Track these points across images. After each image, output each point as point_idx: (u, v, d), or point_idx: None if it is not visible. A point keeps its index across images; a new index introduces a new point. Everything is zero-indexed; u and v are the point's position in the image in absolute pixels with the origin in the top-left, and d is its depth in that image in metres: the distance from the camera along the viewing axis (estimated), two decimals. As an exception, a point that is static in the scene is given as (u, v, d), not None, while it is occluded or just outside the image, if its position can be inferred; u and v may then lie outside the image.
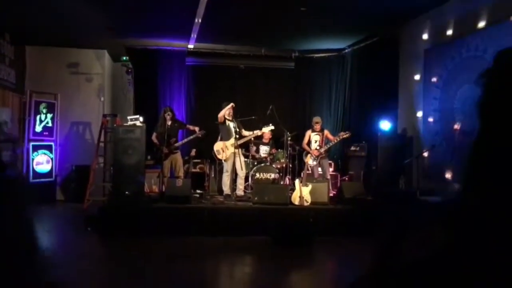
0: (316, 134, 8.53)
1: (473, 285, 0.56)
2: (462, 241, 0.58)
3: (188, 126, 8.76)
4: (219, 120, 7.95)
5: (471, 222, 0.59)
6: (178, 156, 8.47)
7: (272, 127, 8.45)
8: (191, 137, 8.49)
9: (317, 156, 8.38)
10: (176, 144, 8.44)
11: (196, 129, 8.44)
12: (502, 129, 0.59)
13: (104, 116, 9.62)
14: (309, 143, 8.54)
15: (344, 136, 8.36)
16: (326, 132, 8.59)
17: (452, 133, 7.08)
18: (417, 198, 6.63)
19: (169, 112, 8.39)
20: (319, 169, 8.52)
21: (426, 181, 7.48)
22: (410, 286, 0.60)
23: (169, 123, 8.33)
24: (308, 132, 8.60)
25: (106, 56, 10.72)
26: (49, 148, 10.03)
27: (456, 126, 6.98)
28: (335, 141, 8.43)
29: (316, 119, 8.62)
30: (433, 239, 0.60)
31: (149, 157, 8.53)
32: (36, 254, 0.70)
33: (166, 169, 8.28)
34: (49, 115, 10.06)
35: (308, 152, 8.46)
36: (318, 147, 8.43)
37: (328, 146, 8.48)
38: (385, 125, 8.45)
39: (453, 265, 0.57)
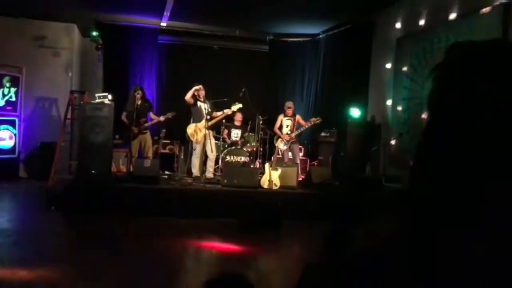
0: (288, 119, 8.58)
1: (416, 275, 0.57)
2: (407, 230, 0.58)
3: (152, 115, 8.50)
4: (187, 101, 7.84)
5: (416, 211, 0.59)
6: (147, 136, 8.35)
7: (240, 105, 8.32)
8: (161, 118, 8.36)
9: (288, 141, 8.44)
10: (146, 124, 8.30)
11: (161, 118, 8.29)
12: (447, 122, 0.60)
13: (72, 92, 9.33)
14: (280, 127, 8.60)
15: (316, 122, 8.44)
16: (298, 117, 8.65)
17: (420, 122, 7.24)
18: (382, 185, 6.78)
19: (139, 91, 8.22)
20: (290, 153, 8.59)
21: (392, 168, 7.65)
22: (356, 274, 0.60)
23: (139, 102, 8.16)
24: (280, 117, 8.65)
25: (75, 30, 10.36)
26: (12, 123, 9.69)
27: (424, 116, 7.14)
28: (306, 126, 8.51)
29: (288, 104, 8.67)
30: (381, 228, 0.61)
31: (117, 136, 8.37)
32: None
33: (134, 149, 8.16)
34: (13, 89, 9.69)
35: (279, 137, 8.51)
36: (289, 132, 8.50)
37: (299, 131, 8.55)
38: (355, 112, 8.56)
39: (397, 254, 0.58)
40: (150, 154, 8.30)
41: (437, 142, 0.59)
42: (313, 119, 8.54)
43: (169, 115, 8.29)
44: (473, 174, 0.55)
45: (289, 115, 8.59)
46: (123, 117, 8.19)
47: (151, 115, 8.48)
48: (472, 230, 0.54)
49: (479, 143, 0.56)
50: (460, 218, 0.55)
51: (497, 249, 0.53)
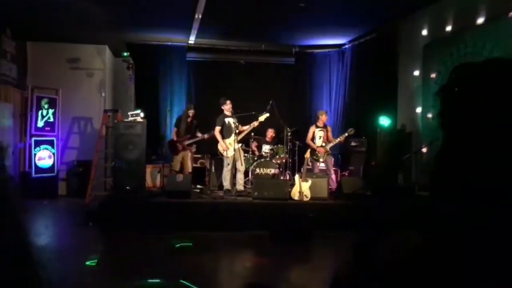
0: (320, 130, 8.49)
1: (446, 286, 0.60)
2: (433, 243, 0.62)
3: (198, 133, 8.76)
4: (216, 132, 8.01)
5: (442, 225, 0.63)
6: (188, 153, 8.61)
7: (267, 114, 8.33)
8: (200, 136, 8.57)
9: (323, 154, 8.36)
10: (187, 142, 8.55)
11: (205, 135, 8.54)
12: (462, 139, 0.64)
13: (105, 111, 9.66)
14: (313, 138, 8.52)
15: (350, 133, 8.31)
16: (329, 128, 8.56)
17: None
18: (414, 194, 6.67)
19: (193, 110, 8.58)
20: (322, 164, 8.52)
21: (425, 176, 7.52)
22: (386, 286, 0.64)
23: (189, 120, 8.53)
24: (312, 128, 8.55)
25: (107, 51, 10.74)
26: (50, 143, 10.10)
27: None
28: (340, 140, 8.36)
29: (321, 112, 8.60)
30: (409, 240, 0.64)
31: (150, 152, 8.62)
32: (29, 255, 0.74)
33: (176, 164, 8.50)
34: (51, 111, 10.12)
35: (313, 149, 8.43)
36: (323, 144, 8.41)
37: (334, 143, 8.41)
38: (384, 120, 8.48)
39: (424, 266, 0.61)
40: (190, 170, 8.52)
41: (457, 157, 0.63)
42: (348, 130, 8.36)
43: (206, 135, 8.48)
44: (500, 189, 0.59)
45: (321, 126, 8.50)
46: (173, 132, 8.64)
47: (199, 135, 8.73)
48: (506, 249, 0.57)
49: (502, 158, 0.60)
50: (492, 234, 0.58)
51: None
